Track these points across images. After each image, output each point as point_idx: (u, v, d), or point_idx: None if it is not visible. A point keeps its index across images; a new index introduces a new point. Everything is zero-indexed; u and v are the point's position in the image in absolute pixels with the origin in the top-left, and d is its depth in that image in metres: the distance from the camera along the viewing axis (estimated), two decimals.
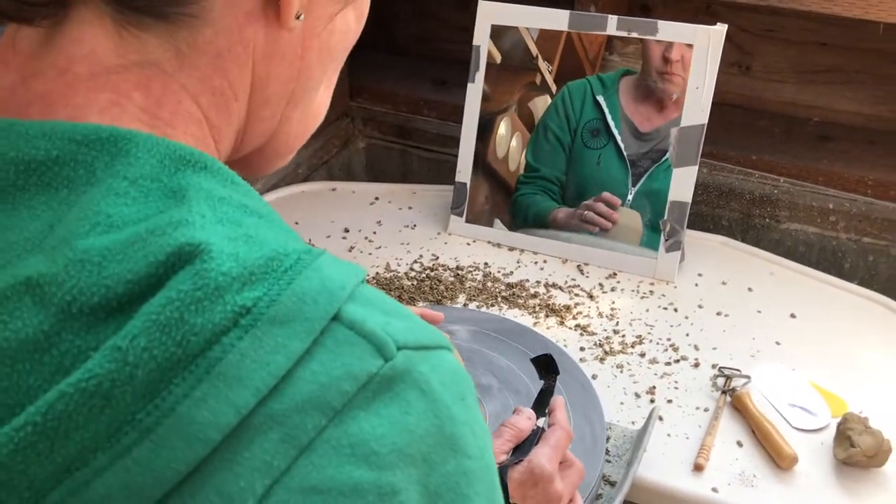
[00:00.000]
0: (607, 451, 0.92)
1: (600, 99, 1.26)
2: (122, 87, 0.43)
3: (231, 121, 0.48)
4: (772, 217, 1.39)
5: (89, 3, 0.43)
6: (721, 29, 1.16)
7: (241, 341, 0.35)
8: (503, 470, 0.68)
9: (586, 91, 1.27)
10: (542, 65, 1.30)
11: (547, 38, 1.27)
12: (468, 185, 1.34)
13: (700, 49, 1.17)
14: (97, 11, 0.43)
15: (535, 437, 0.74)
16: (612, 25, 1.22)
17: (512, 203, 1.33)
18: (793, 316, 1.16)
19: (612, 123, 1.25)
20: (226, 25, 0.44)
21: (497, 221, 1.33)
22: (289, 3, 0.45)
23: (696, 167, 1.19)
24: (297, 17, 0.46)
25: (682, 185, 1.21)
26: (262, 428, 0.35)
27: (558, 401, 0.80)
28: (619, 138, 1.25)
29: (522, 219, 1.33)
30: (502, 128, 1.33)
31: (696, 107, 1.18)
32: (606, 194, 1.27)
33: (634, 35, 1.21)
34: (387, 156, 1.72)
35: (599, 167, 1.27)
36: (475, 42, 1.30)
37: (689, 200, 1.21)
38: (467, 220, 1.34)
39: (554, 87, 1.29)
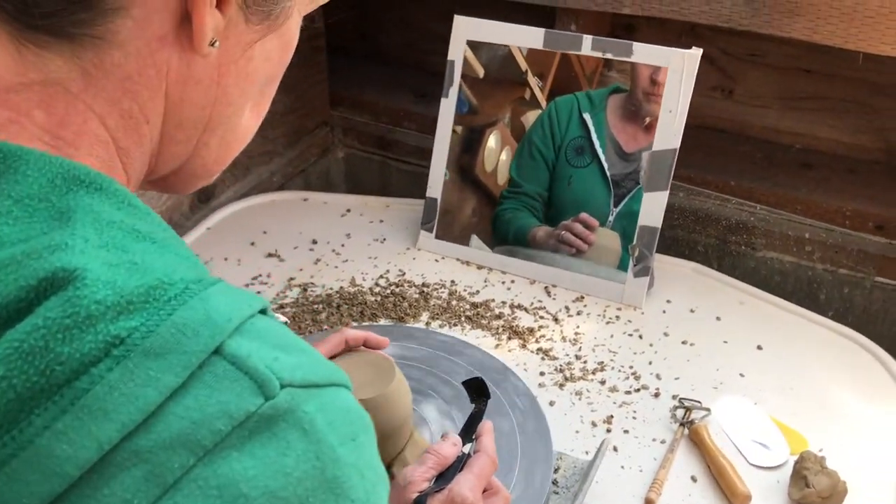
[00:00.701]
0: (555, 482, 0.90)
1: (587, 116, 1.23)
2: (23, 105, 0.42)
3: (142, 143, 0.47)
4: (748, 244, 1.37)
5: None
6: (696, 53, 1.14)
7: (110, 373, 0.34)
8: (423, 498, 0.66)
9: (573, 107, 1.25)
10: (532, 80, 1.28)
11: (542, 51, 1.25)
12: (439, 201, 1.32)
13: (674, 72, 1.15)
14: None
15: (459, 463, 0.72)
16: (587, 45, 1.20)
17: (494, 217, 1.31)
18: (759, 348, 1.14)
19: (596, 142, 1.23)
20: (136, 48, 0.43)
21: (474, 237, 1.31)
22: (202, 30, 0.44)
23: (667, 192, 1.17)
24: (212, 45, 0.45)
25: (653, 209, 1.18)
26: (125, 464, 0.34)
27: (486, 426, 0.77)
28: (602, 157, 1.22)
29: (503, 235, 1.30)
30: (492, 140, 1.31)
31: (669, 131, 1.16)
32: (584, 215, 1.24)
33: (609, 56, 1.19)
34: (366, 167, 1.70)
35: (571, 187, 1.25)
36: (450, 57, 1.28)
37: (659, 226, 1.19)
38: (437, 237, 1.32)
39: (544, 103, 1.27)
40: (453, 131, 1.32)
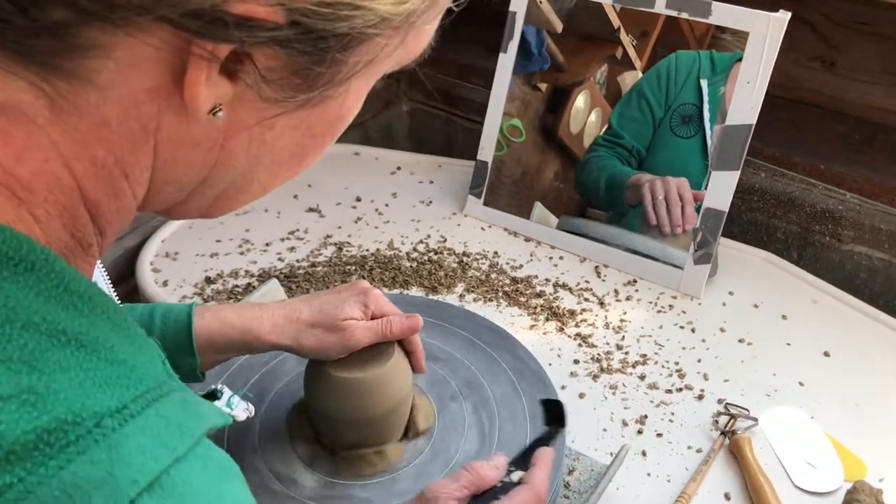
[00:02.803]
0: (567, 485, 0.82)
1: (703, 83, 1.10)
2: None
3: (119, 198, 0.39)
4: (833, 235, 1.23)
5: None
6: (783, 17, 1.00)
7: None
8: None
9: (693, 68, 1.11)
10: (625, 38, 1.16)
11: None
12: (489, 165, 1.23)
13: (756, 38, 1.01)
14: None
15: (501, 491, 0.61)
16: (661, 3, 1.08)
17: (582, 164, 1.19)
18: (826, 354, 1.01)
19: (706, 115, 1.09)
20: (117, 94, 0.35)
21: (538, 206, 1.22)
22: (195, 98, 0.36)
23: (738, 172, 1.05)
24: (213, 113, 0.37)
25: (720, 191, 1.06)
26: None
27: (544, 454, 0.65)
28: (709, 133, 1.09)
29: (591, 182, 1.18)
30: (580, 100, 1.20)
31: (746, 104, 1.03)
32: (688, 194, 1.10)
33: (685, 16, 1.07)
34: (430, 123, 1.62)
35: (666, 158, 1.11)
36: (512, 7, 1.18)
37: (726, 209, 1.06)
38: (486, 203, 1.24)
39: (638, 63, 1.16)
40: (537, 88, 1.22)
